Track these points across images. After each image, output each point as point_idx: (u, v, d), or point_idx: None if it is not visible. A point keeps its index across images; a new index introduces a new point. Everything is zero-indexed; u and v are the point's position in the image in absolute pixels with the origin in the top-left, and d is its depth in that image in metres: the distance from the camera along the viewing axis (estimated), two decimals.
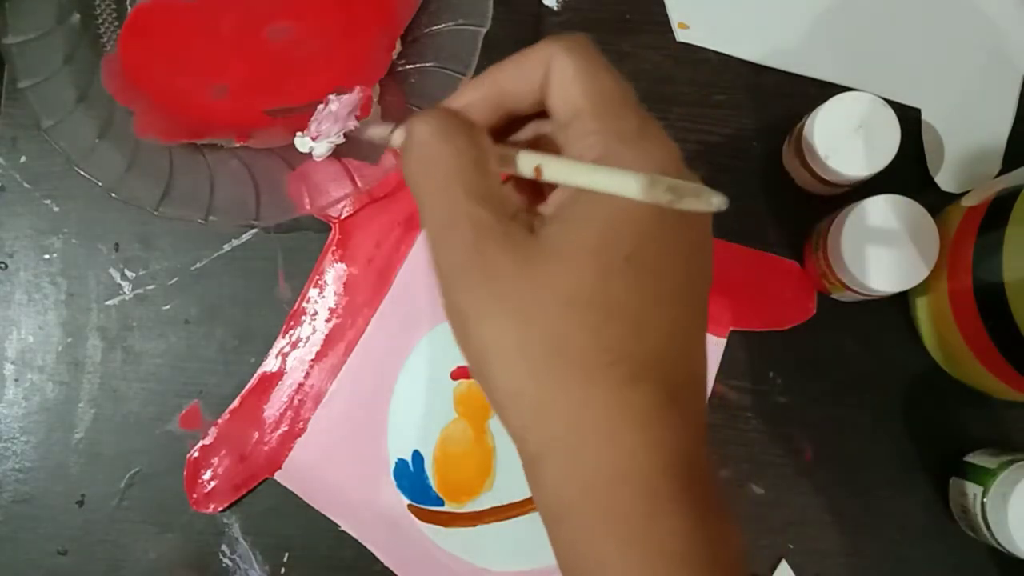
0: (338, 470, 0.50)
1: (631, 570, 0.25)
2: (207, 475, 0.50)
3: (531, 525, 0.49)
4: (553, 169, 0.27)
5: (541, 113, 0.30)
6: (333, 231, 0.51)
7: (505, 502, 0.49)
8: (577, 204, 0.26)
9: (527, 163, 0.28)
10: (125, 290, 0.52)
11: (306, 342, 0.50)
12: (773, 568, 0.50)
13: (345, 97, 0.46)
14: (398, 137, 0.32)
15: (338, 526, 0.50)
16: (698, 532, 0.25)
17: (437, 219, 0.28)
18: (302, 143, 0.47)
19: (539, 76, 0.28)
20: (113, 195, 0.47)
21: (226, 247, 0.52)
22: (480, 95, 0.29)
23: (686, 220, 0.27)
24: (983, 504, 0.46)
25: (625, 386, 0.25)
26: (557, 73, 0.28)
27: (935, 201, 0.48)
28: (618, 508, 0.25)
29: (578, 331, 0.25)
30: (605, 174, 0.26)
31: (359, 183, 0.47)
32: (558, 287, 0.25)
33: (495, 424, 0.49)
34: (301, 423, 0.50)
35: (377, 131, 0.34)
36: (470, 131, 0.28)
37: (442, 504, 0.49)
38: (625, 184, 0.25)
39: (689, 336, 0.27)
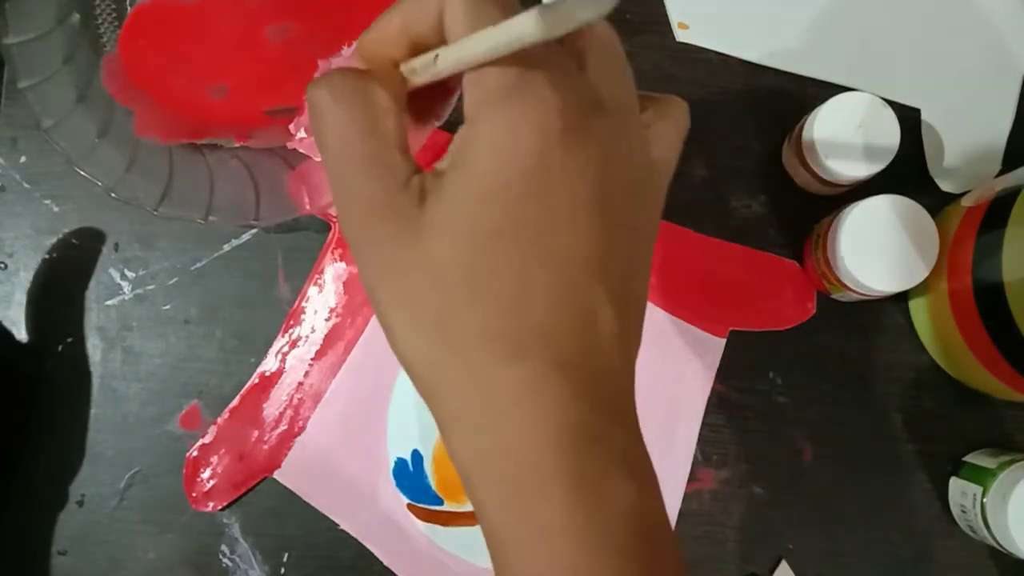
0: (337, 469, 0.50)
1: (514, 540, 0.26)
2: (206, 473, 0.50)
3: None
4: (449, 54, 0.26)
5: None
6: (333, 230, 0.51)
7: None
8: (455, 172, 0.25)
9: (425, 61, 0.27)
10: (125, 290, 0.52)
11: (306, 341, 0.50)
12: (773, 568, 0.50)
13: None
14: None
15: (338, 526, 0.50)
16: (580, 499, 0.25)
17: (335, 192, 0.27)
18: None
19: (435, 13, 0.27)
20: (113, 195, 0.47)
21: (226, 247, 0.52)
22: (389, 31, 0.28)
23: (584, 167, 0.25)
24: (983, 504, 0.46)
25: (505, 363, 0.25)
26: (447, 17, 0.26)
27: (935, 201, 0.48)
28: (504, 480, 0.25)
29: (456, 310, 0.25)
30: (498, 31, 0.24)
31: None
32: (436, 266, 0.25)
33: None
34: (301, 422, 0.50)
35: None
36: (364, 91, 0.27)
37: (441, 503, 0.49)
38: (522, 28, 0.23)
39: (588, 300, 0.26)
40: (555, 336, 0.25)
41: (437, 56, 0.27)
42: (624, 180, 0.27)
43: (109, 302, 0.52)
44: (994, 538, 0.46)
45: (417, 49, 0.28)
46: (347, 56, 0.49)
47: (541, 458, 0.25)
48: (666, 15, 0.53)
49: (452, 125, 0.51)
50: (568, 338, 0.25)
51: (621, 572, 0.25)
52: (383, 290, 0.27)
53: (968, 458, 0.49)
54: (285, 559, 0.51)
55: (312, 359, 0.50)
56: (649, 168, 0.28)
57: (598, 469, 0.25)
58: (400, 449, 0.50)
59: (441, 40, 0.27)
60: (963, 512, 0.48)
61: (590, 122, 0.26)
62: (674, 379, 0.50)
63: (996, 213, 0.43)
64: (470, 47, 0.25)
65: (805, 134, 0.47)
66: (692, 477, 0.50)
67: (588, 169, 0.25)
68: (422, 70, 0.28)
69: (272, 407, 0.50)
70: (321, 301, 0.50)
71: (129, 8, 0.51)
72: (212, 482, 0.50)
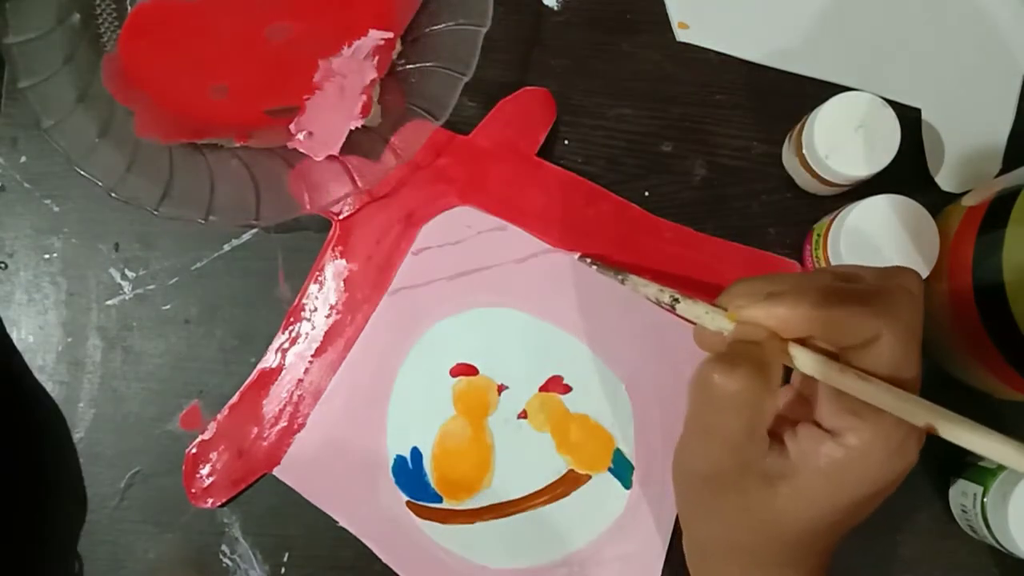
0: (337, 466, 0.50)
1: None
2: (205, 470, 0.50)
3: (529, 523, 0.49)
4: (950, 431, 0.33)
5: None
6: (333, 227, 0.51)
7: (503, 499, 0.49)
8: (816, 479, 0.34)
9: (919, 417, 0.33)
10: (125, 290, 0.52)
11: (306, 338, 0.50)
12: None
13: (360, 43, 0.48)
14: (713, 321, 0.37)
15: (338, 524, 0.50)
16: None
17: (690, 450, 0.37)
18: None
19: (857, 341, 0.33)
20: (113, 195, 0.47)
21: (226, 247, 0.52)
22: (792, 324, 0.34)
23: (890, 485, 0.35)
24: (983, 504, 0.46)
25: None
26: (877, 353, 0.33)
27: (935, 201, 0.48)
28: None
29: (775, 560, 0.37)
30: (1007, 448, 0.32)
31: (359, 183, 0.47)
32: (771, 533, 0.36)
33: (494, 421, 0.49)
34: (300, 419, 0.50)
35: (688, 308, 0.39)
36: (759, 398, 0.33)
37: (440, 501, 0.49)
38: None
39: (839, 539, 0.38)
40: (828, 553, 0.38)
41: (869, 382, 0.33)
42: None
43: (109, 302, 0.52)
44: (994, 538, 0.46)
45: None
46: (347, 56, 0.49)
47: None
48: (666, 15, 0.53)
49: (452, 124, 0.51)
50: (832, 549, 0.39)
51: None
52: (710, 532, 0.39)
53: (968, 458, 0.49)
54: (285, 559, 0.51)
55: (312, 356, 0.50)
56: None
57: None
58: (400, 447, 0.50)
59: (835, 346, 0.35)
60: (963, 512, 0.48)
61: None
62: (674, 379, 0.50)
63: (996, 213, 0.43)
64: (927, 414, 0.33)
65: (805, 134, 0.47)
66: None
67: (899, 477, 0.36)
68: (821, 374, 0.34)
69: (272, 404, 0.50)
70: (322, 298, 0.51)
71: (129, 8, 0.51)
72: (211, 479, 0.50)
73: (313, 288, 0.51)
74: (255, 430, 0.50)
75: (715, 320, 0.37)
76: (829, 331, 0.33)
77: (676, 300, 0.40)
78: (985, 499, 0.46)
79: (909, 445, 0.34)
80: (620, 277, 0.45)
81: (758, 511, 0.35)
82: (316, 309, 0.51)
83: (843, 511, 0.35)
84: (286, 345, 0.50)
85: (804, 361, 0.35)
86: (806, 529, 0.36)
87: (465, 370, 0.50)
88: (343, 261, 0.51)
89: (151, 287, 0.52)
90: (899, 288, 0.34)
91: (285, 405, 0.50)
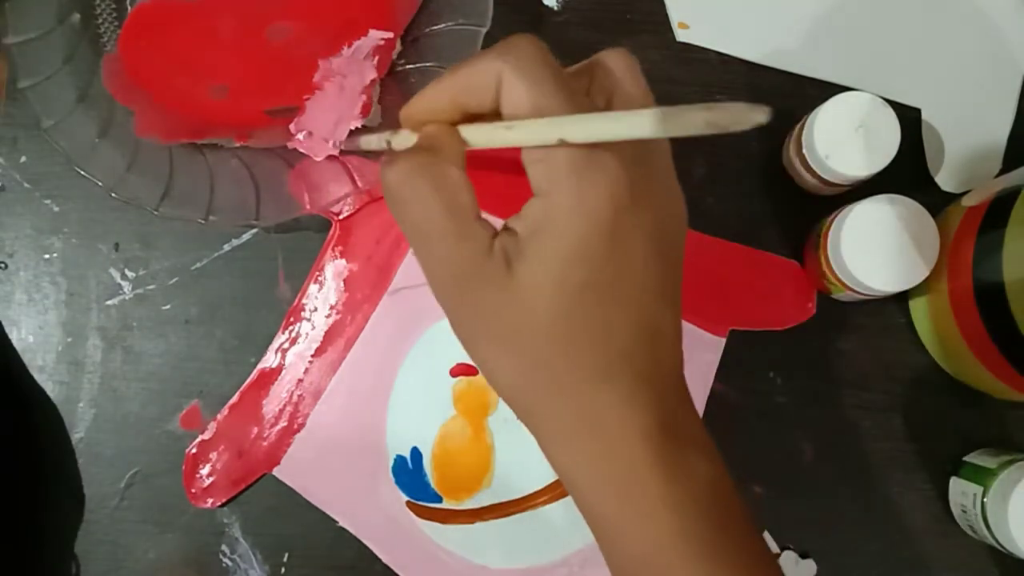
0: (337, 466, 0.50)
1: (625, 524, 0.31)
2: (205, 470, 0.50)
3: (529, 522, 0.49)
4: (527, 133, 0.29)
5: None
6: (333, 228, 0.51)
7: (503, 499, 0.49)
8: (538, 238, 0.30)
9: (490, 133, 0.30)
10: (125, 290, 0.52)
11: (306, 338, 0.50)
12: None
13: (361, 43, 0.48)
14: (398, 141, 0.34)
15: (338, 524, 0.50)
16: (674, 479, 0.30)
17: (424, 265, 0.32)
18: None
19: (491, 93, 0.30)
20: (113, 195, 0.47)
21: (226, 247, 0.52)
22: (440, 102, 0.32)
23: (644, 222, 0.30)
24: (983, 504, 0.46)
25: (598, 386, 0.30)
26: (507, 95, 0.30)
27: (935, 201, 0.48)
28: (608, 476, 0.31)
29: (554, 353, 0.30)
30: (605, 124, 0.28)
31: (359, 182, 0.47)
32: (532, 319, 0.30)
33: (494, 421, 0.49)
34: (300, 419, 0.50)
35: (371, 140, 0.34)
36: (437, 172, 0.31)
37: (440, 501, 0.49)
38: (637, 128, 0.27)
39: (657, 321, 0.31)
40: (635, 356, 0.31)
41: (511, 127, 0.30)
42: (668, 215, 0.32)
43: (109, 302, 0.52)
44: (994, 538, 0.46)
45: (468, 114, 0.32)
46: (347, 56, 0.49)
47: (636, 454, 0.30)
48: (666, 15, 0.53)
49: None
50: (644, 354, 0.31)
51: (712, 531, 0.31)
52: (482, 344, 0.32)
53: (968, 458, 0.49)
54: (285, 559, 0.51)
55: (312, 356, 0.50)
56: (678, 194, 0.33)
57: (680, 451, 0.31)
58: (400, 447, 0.50)
59: (494, 112, 0.31)
60: (963, 512, 0.48)
61: (647, 184, 0.30)
62: None
63: (996, 213, 0.43)
64: (553, 130, 0.29)
65: (805, 134, 0.47)
66: None
67: (647, 224, 0.30)
68: (485, 139, 0.31)
69: (272, 404, 0.50)
70: (321, 298, 0.51)
71: (129, 8, 0.51)
72: (211, 479, 0.50)
73: (313, 288, 0.51)
74: (255, 430, 0.50)
75: (397, 138, 0.35)
76: (467, 95, 0.31)
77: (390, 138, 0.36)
78: (985, 499, 0.46)
79: (592, 177, 0.29)
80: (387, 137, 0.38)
81: (510, 302, 0.31)
82: (316, 309, 0.51)
83: (588, 272, 0.30)
84: (286, 345, 0.50)
85: (471, 134, 0.32)
86: (567, 311, 0.30)
87: (465, 370, 0.50)
88: (343, 261, 0.51)
89: (151, 287, 0.52)
90: (519, 35, 0.31)
91: (285, 405, 0.50)
